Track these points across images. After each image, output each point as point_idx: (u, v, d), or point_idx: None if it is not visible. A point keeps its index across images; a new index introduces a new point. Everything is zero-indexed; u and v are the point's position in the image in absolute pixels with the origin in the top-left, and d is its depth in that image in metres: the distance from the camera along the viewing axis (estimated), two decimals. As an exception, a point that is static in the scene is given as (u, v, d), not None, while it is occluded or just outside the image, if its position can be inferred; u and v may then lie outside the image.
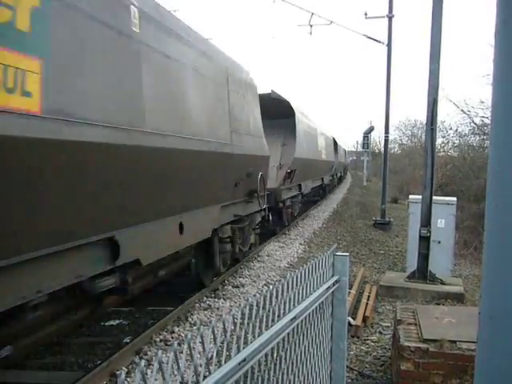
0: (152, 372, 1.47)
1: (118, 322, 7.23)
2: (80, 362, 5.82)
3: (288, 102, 14.84)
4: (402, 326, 5.35)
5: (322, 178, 25.26)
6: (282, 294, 2.48)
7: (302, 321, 2.77)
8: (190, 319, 7.37)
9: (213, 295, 8.61)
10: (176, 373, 1.57)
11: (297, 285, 2.70)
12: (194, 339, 1.71)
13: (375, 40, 19.32)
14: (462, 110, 24.42)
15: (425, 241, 9.12)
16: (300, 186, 17.49)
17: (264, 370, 2.30)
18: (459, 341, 4.76)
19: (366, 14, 19.49)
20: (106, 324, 7.11)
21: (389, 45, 18.65)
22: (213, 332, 1.82)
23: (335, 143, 34.49)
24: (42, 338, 5.84)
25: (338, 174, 41.70)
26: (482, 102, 22.48)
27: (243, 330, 2.07)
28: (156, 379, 1.45)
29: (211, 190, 7.73)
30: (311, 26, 20.54)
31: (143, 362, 1.46)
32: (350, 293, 7.76)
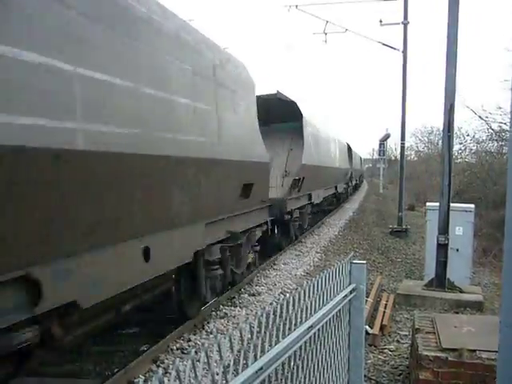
0: (169, 380, 1.47)
1: (135, 330, 7.24)
2: (98, 369, 5.85)
3: (295, 104, 13.67)
4: (420, 334, 5.29)
5: (336, 187, 24.14)
6: (299, 302, 2.47)
7: (319, 329, 2.75)
8: (206, 327, 7.37)
9: (229, 303, 8.60)
10: (193, 381, 1.56)
11: (314, 293, 2.69)
12: (211, 347, 1.70)
13: (390, 47, 19.30)
14: (480, 116, 24.20)
15: (443, 248, 9.03)
16: (310, 195, 16.18)
17: (281, 379, 2.28)
18: (479, 350, 4.69)
19: (381, 21, 19.52)
20: (124, 332, 7.13)
21: (404, 51, 18.60)
22: (230, 340, 1.82)
23: (350, 149, 33.45)
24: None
25: (354, 182, 40.18)
26: (500, 108, 22.23)
27: (260, 339, 2.06)
28: (173, 388, 1.45)
29: (191, 204, 6.31)
30: (326, 34, 20.62)
31: (161, 370, 1.46)
32: (367, 301, 7.70)
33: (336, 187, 24.15)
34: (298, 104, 13.79)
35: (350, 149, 33.39)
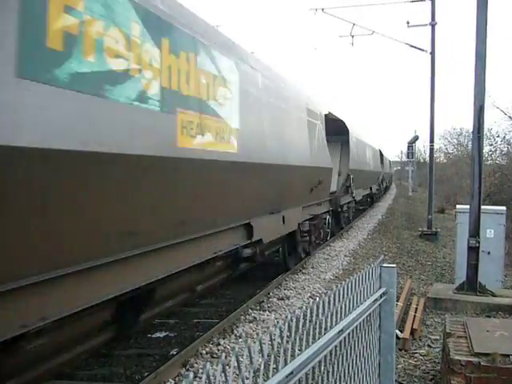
0: (200, 384, 1.48)
1: (164, 334, 7.29)
2: (128, 373, 5.89)
3: (343, 122, 16.78)
4: (451, 339, 5.22)
5: (371, 188, 27.33)
6: (329, 306, 2.46)
7: (349, 334, 2.73)
8: (235, 331, 7.38)
9: (258, 307, 8.60)
10: (224, 385, 1.57)
11: (343, 297, 2.68)
12: (241, 352, 1.71)
13: (418, 48, 19.13)
14: (510, 117, 23.84)
15: (474, 251, 8.89)
16: (353, 193, 18.86)
17: (311, 384, 2.28)
18: (512, 355, 4.61)
19: (408, 23, 19.35)
20: (153, 336, 7.19)
21: (432, 53, 18.41)
22: (260, 344, 1.82)
23: (381, 155, 35.93)
24: (90, 349, 5.95)
25: (384, 184, 43.09)
26: (531, 108, 21.89)
27: (290, 343, 2.06)
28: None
29: (297, 195, 10.39)
30: (353, 36, 20.54)
31: (191, 374, 1.47)
32: (397, 305, 7.63)
33: (371, 188, 27.69)
34: (346, 122, 17.08)
35: (381, 154, 36.14)
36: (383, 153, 38.50)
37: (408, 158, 42.10)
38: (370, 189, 27.37)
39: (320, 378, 2.38)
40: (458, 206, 10.81)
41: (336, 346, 2.55)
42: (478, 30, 8.85)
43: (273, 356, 1.89)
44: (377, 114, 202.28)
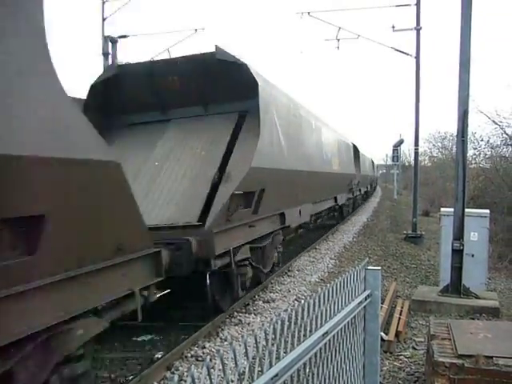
0: (185, 387, 1.48)
1: (149, 337, 7.26)
2: (113, 376, 5.86)
3: (246, 68, 8.52)
4: (435, 341, 5.25)
5: (335, 198, 18.94)
6: (314, 308, 2.47)
7: (334, 336, 2.74)
8: (220, 334, 7.36)
9: (243, 310, 8.59)
10: (209, 388, 1.57)
11: (328, 299, 2.69)
12: (227, 354, 1.71)
13: (403, 52, 19.24)
14: (494, 121, 24.06)
15: (458, 254, 8.96)
16: (282, 215, 10.54)
17: (296, 386, 2.28)
18: (496, 356, 4.65)
19: (393, 27, 19.46)
20: (138, 339, 7.15)
21: (417, 57, 18.54)
22: (245, 347, 1.82)
23: (356, 151, 27.84)
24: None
25: (363, 190, 33.49)
26: (514, 113, 22.13)
27: (275, 345, 2.06)
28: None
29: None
30: (338, 40, 20.65)
31: (176, 377, 1.46)
32: (382, 307, 7.66)
33: (336, 198, 19.13)
34: (251, 67, 8.73)
35: (357, 151, 28.10)
36: (361, 150, 30.80)
37: (393, 161, 42.29)
38: (335, 199, 18.89)
39: (305, 380, 2.38)
40: (442, 209, 10.88)
41: (321, 349, 2.56)
42: (462, 35, 8.93)
43: (258, 358, 1.89)
44: (363, 117, 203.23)
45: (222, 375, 1.69)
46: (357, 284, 3.23)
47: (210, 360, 6.02)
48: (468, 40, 8.90)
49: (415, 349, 6.99)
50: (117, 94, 9.06)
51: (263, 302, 9.24)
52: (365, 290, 3.40)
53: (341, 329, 2.87)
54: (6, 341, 3.06)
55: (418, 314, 8.55)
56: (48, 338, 3.52)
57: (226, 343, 6.98)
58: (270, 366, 1.99)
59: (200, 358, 6.41)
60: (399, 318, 7.80)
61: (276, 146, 9.58)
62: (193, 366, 1.64)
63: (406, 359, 6.56)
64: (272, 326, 2.05)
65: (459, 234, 8.96)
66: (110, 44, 21.57)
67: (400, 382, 5.89)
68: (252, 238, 8.52)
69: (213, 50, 8.49)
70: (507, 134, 24.06)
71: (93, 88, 8.94)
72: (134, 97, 9.13)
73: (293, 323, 2.22)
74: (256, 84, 8.36)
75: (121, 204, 4.45)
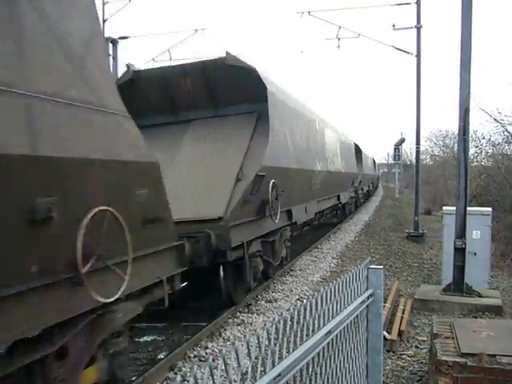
0: (188, 387, 1.48)
1: (152, 337, 7.26)
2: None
3: (256, 73, 9.08)
4: (438, 339, 5.24)
5: (338, 196, 19.50)
6: (316, 308, 2.47)
7: (336, 335, 2.74)
8: (223, 335, 7.36)
9: (246, 310, 8.59)
10: (211, 388, 1.57)
11: (331, 299, 2.68)
12: (229, 354, 1.70)
13: (404, 51, 19.23)
14: (495, 119, 24.08)
15: (460, 252, 8.95)
16: (289, 212, 10.98)
17: (299, 386, 2.28)
18: (499, 355, 4.63)
19: (393, 26, 19.44)
20: (141, 340, 7.16)
21: (418, 55, 18.52)
22: (247, 347, 1.82)
23: (359, 151, 28.98)
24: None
25: (365, 189, 34.86)
26: (516, 110, 22.10)
27: (278, 345, 2.06)
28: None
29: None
30: (339, 39, 20.62)
31: (179, 378, 1.46)
32: (384, 306, 7.65)
33: (339, 197, 19.78)
34: (260, 73, 9.20)
35: (359, 150, 29.50)
36: (363, 149, 32.21)
37: (394, 160, 42.27)
38: (338, 198, 19.41)
39: (308, 379, 2.38)
40: (444, 208, 10.86)
41: (324, 348, 2.55)
42: (463, 33, 8.92)
43: (260, 358, 1.89)
44: (364, 116, 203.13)
45: (225, 375, 1.69)
46: (359, 283, 3.23)
47: (213, 360, 6.03)
48: (469, 38, 8.89)
49: (418, 348, 6.98)
50: (133, 97, 9.16)
51: (266, 301, 9.24)
52: (367, 289, 3.39)
53: (343, 328, 2.86)
54: (65, 318, 3.56)
55: (421, 313, 8.54)
56: (95, 318, 4.00)
57: (228, 343, 6.98)
58: (273, 365, 1.98)
59: (203, 358, 6.42)
60: (402, 317, 7.79)
61: (284, 146, 10.21)
62: (195, 366, 1.64)
63: (408, 358, 6.55)
64: (274, 326, 2.05)
65: (461, 233, 8.95)
66: (110, 45, 21.61)
67: (403, 381, 5.88)
68: (263, 233, 9.04)
69: (223, 54, 9.16)
70: (509, 132, 24.06)
71: None
72: (149, 100, 9.78)
73: (295, 323, 2.22)
74: (265, 88, 8.93)
75: (157, 199, 5.02)
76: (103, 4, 22.08)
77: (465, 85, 8.94)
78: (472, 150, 26.11)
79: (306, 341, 2.30)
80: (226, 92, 9.49)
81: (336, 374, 2.81)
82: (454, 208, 9.23)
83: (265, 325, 2.01)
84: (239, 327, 7.72)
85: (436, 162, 49.84)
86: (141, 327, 7.39)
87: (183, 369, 6.09)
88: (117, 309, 4.27)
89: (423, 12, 21.67)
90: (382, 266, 3.55)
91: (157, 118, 9.82)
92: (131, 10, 24.49)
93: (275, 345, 2.03)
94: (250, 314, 8.36)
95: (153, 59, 22.00)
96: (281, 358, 2.06)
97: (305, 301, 2.38)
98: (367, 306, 3.38)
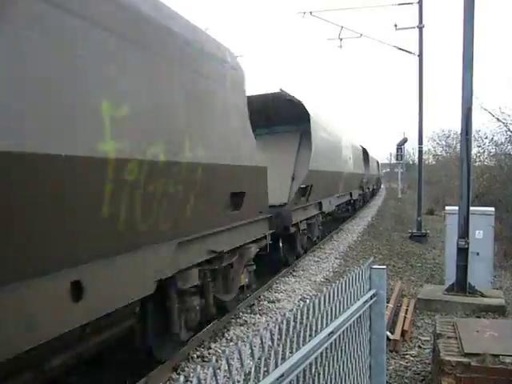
0: (191, 388, 1.48)
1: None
2: (119, 378, 5.85)
3: (302, 104, 12.22)
4: (441, 339, 5.24)
5: (351, 193, 22.69)
6: (319, 308, 2.47)
7: (339, 335, 2.74)
8: (226, 335, 7.36)
9: (249, 311, 8.59)
10: (215, 388, 1.57)
11: (334, 299, 2.68)
12: (232, 355, 1.71)
13: (406, 51, 19.22)
14: (498, 119, 24.05)
15: (463, 252, 8.93)
16: (320, 204, 14.96)
17: (302, 386, 2.28)
18: (502, 355, 4.63)
19: (396, 26, 19.43)
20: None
21: (420, 55, 18.51)
22: (250, 347, 1.82)
23: (366, 154, 32.20)
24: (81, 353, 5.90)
25: (370, 188, 38.92)
26: (519, 110, 22.07)
27: (281, 345, 2.06)
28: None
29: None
30: (341, 39, 20.61)
31: (182, 378, 1.46)
32: (387, 307, 7.64)
33: (351, 194, 22.89)
34: (305, 104, 12.42)
35: (366, 153, 32.32)
36: (369, 152, 34.98)
37: (397, 160, 42.24)
38: (350, 195, 22.65)
39: (311, 379, 2.38)
40: (446, 208, 10.85)
41: (327, 348, 2.55)
42: (465, 33, 8.90)
43: (264, 359, 1.89)
44: (366, 116, 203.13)
45: (228, 376, 1.69)
46: (362, 283, 3.22)
47: (216, 360, 6.01)
48: (471, 38, 8.87)
49: (421, 348, 6.97)
50: None
51: (268, 302, 9.25)
52: (370, 290, 3.39)
53: (346, 328, 2.86)
54: (232, 246, 7.27)
55: (424, 313, 8.53)
56: (242, 251, 7.89)
57: (231, 343, 6.98)
58: (276, 366, 1.98)
59: (206, 359, 6.42)
60: (405, 317, 7.78)
61: (319, 155, 13.42)
62: (199, 366, 1.64)
63: (412, 358, 6.55)
64: (277, 326, 2.05)
65: (464, 233, 8.94)
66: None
67: (406, 381, 5.88)
68: (306, 217, 13.31)
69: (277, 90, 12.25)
70: (511, 132, 24.01)
71: None
72: None
73: (298, 323, 2.22)
74: (308, 114, 12.34)
75: (263, 189, 8.64)
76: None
77: (467, 84, 8.92)
78: (475, 150, 26.15)
79: (309, 341, 2.30)
80: (278, 116, 12.98)
81: (339, 374, 2.81)
82: (457, 208, 9.21)
83: (268, 325, 2.01)
84: (242, 327, 7.72)
85: (439, 161, 49.73)
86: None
87: (186, 369, 6.09)
88: (250, 247, 8.12)
89: (425, 12, 21.62)
90: (384, 266, 3.54)
91: None
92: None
93: (278, 345, 2.03)
94: (252, 315, 8.37)
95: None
96: (284, 359, 2.06)
97: (308, 301, 2.38)
98: (370, 306, 3.38)
